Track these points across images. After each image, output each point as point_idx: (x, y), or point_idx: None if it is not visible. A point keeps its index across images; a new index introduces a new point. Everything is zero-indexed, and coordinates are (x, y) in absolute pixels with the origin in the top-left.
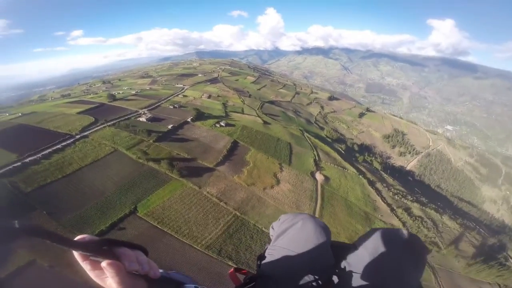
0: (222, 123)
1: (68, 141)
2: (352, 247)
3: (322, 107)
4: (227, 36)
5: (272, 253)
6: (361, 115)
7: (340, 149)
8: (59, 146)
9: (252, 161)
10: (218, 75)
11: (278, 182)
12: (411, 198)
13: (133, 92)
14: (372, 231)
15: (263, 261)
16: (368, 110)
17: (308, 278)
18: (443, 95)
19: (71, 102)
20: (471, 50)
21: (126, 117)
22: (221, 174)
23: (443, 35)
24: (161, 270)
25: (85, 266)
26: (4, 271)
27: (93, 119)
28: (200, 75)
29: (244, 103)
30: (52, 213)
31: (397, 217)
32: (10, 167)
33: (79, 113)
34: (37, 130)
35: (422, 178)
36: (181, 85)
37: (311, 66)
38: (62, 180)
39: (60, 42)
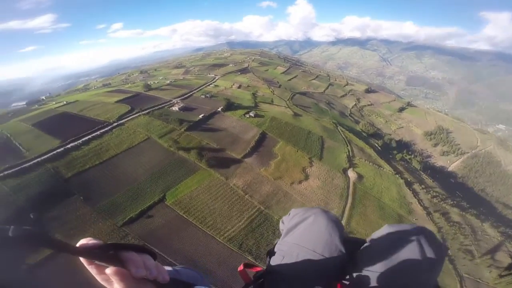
0: (251, 114)
1: (106, 128)
2: (365, 242)
3: (358, 100)
4: (257, 27)
5: (282, 249)
6: (401, 109)
7: (376, 145)
8: (97, 133)
9: (281, 154)
10: (248, 65)
11: (306, 177)
12: (451, 202)
13: (167, 82)
14: (387, 227)
15: (273, 257)
16: (409, 104)
17: (320, 274)
18: (497, 92)
19: (110, 91)
20: None
21: (160, 106)
22: (248, 166)
23: (500, 28)
24: (169, 268)
25: (91, 270)
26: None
27: (129, 107)
28: (231, 65)
29: (273, 94)
30: (88, 199)
31: (433, 221)
32: (54, 152)
33: (117, 101)
34: (79, 118)
35: (465, 180)
36: (213, 75)
37: (346, 57)
38: (99, 166)
39: (102, 34)
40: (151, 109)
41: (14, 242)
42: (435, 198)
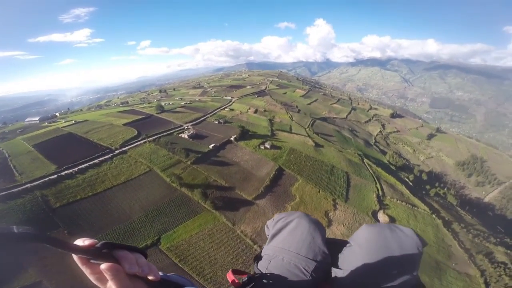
0: (267, 145)
1: (107, 156)
2: (346, 243)
3: (383, 126)
4: (275, 48)
5: (268, 253)
6: (430, 136)
7: (407, 180)
8: (96, 161)
9: (299, 195)
10: (266, 87)
11: (329, 223)
12: (494, 240)
13: (183, 103)
14: (365, 226)
15: (260, 261)
16: (438, 130)
17: (305, 276)
18: None
19: (123, 111)
20: None
21: (169, 132)
22: (259, 210)
23: None
24: (161, 273)
25: (85, 269)
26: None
27: (136, 132)
28: (248, 86)
29: (292, 120)
30: (73, 234)
31: (475, 264)
32: (46, 179)
33: (125, 124)
34: (82, 141)
35: (504, 211)
36: (229, 97)
37: (366, 78)
38: (91, 198)
39: (132, 51)
40: (158, 135)
41: (18, 237)
42: (476, 238)
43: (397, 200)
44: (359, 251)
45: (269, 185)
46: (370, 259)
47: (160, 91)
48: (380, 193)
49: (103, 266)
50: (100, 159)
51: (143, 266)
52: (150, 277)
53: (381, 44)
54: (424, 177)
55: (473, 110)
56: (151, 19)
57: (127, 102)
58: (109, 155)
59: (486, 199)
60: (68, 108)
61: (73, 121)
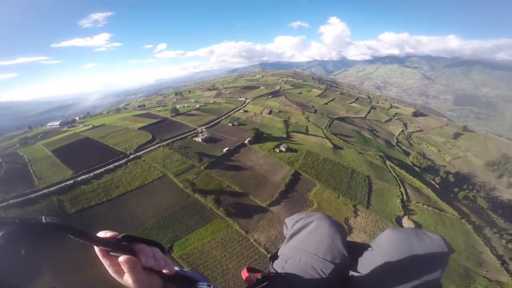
0: (282, 148)
1: (121, 161)
2: (368, 247)
3: (405, 125)
4: (288, 47)
5: (285, 253)
6: (456, 135)
7: (433, 183)
8: (111, 166)
9: (317, 200)
10: (280, 87)
11: (350, 230)
12: None
13: (197, 106)
14: (390, 231)
15: (276, 261)
16: (465, 129)
17: (321, 278)
18: None
19: (139, 114)
20: None
21: (183, 136)
22: (274, 217)
23: None
24: (177, 268)
25: (105, 262)
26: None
27: (151, 136)
28: (262, 87)
29: (308, 120)
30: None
31: (508, 271)
32: (63, 184)
33: (140, 128)
34: (98, 146)
35: None
36: (243, 99)
37: (384, 76)
38: (105, 203)
39: (149, 54)
40: (173, 139)
41: (46, 227)
42: (510, 244)
43: (423, 205)
44: (380, 255)
45: (284, 190)
46: (391, 264)
47: (176, 94)
48: (405, 197)
49: (121, 258)
50: (115, 164)
51: (159, 259)
52: (164, 271)
53: (398, 40)
54: (451, 178)
55: (501, 107)
56: (166, 23)
57: (144, 105)
58: (124, 160)
59: None
60: (88, 112)
61: (91, 126)
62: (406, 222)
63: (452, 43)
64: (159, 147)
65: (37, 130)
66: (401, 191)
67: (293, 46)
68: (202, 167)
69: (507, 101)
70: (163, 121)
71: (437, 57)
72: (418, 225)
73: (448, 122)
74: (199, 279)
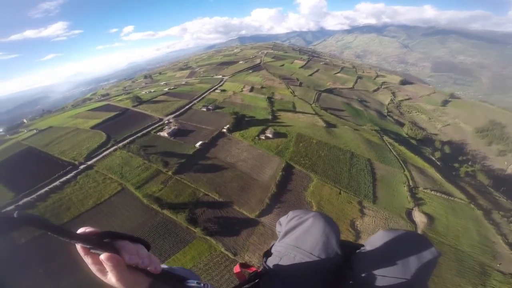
0: (268, 133)
1: (69, 175)
2: (361, 246)
3: (393, 94)
4: (266, 20)
5: (279, 250)
6: (444, 102)
7: (434, 159)
8: (57, 182)
9: (316, 201)
10: (261, 60)
11: (357, 235)
12: None
13: (166, 89)
14: (381, 232)
15: (269, 258)
16: (452, 96)
17: (316, 276)
18: None
19: (95, 108)
20: None
21: (145, 131)
22: (266, 231)
23: None
24: (165, 266)
25: (87, 260)
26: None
27: (105, 137)
28: (241, 62)
29: (294, 95)
30: (50, 274)
31: None
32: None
33: (93, 127)
34: (41, 157)
35: None
36: (220, 76)
37: (363, 45)
38: None
39: (115, 38)
40: (132, 137)
41: (19, 222)
42: None
43: (431, 191)
44: (373, 255)
45: (276, 193)
46: (382, 264)
47: (145, 77)
48: (411, 183)
49: (103, 256)
50: (62, 179)
51: (143, 257)
52: (149, 269)
53: (375, 10)
54: (447, 150)
55: (478, 73)
56: (128, 4)
57: (108, 94)
58: (73, 173)
59: (510, 170)
60: (43, 110)
61: (35, 130)
62: (418, 216)
63: (428, 12)
64: (115, 150)
65: None
66: (405, 175)
67: (271, 18)
68: (170, 173)
69: (483, 68)
70: (123, 113)
71: (414, 26)
72: (430, 218)
73: (435, 90)
74: (189, 277)
